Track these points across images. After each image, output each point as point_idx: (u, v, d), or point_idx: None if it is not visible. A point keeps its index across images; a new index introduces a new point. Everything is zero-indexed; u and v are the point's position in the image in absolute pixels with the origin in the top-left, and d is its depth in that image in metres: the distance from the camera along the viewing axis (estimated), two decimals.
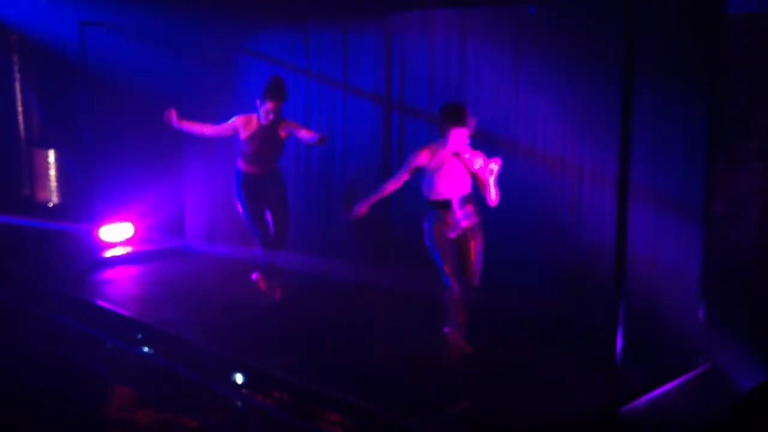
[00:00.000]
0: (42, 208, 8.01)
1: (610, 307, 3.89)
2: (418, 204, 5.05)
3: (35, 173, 8.05)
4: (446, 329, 4.93)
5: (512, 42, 5.44)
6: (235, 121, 5.83)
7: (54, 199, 8.09)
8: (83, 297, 6.31)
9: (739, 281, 4.69)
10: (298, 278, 6.41)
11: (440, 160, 4.75)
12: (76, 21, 7.06)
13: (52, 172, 8.05)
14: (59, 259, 7.36)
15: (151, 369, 5.06)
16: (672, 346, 4.73)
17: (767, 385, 3.75)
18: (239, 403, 4.49)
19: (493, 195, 4.71)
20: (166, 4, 6.84)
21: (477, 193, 4.89)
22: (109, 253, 7.57)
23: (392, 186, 4.98)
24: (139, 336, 5.54)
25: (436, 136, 4.89)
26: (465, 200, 4.83)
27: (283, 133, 5.84)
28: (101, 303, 6.09)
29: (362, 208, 5.04)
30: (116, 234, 7.83)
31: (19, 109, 7.83)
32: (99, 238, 7.64)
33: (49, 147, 8.00)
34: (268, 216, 5.98)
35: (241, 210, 6.00)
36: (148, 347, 5.39)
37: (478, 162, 4.68)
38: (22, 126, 7.90)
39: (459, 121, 4.64)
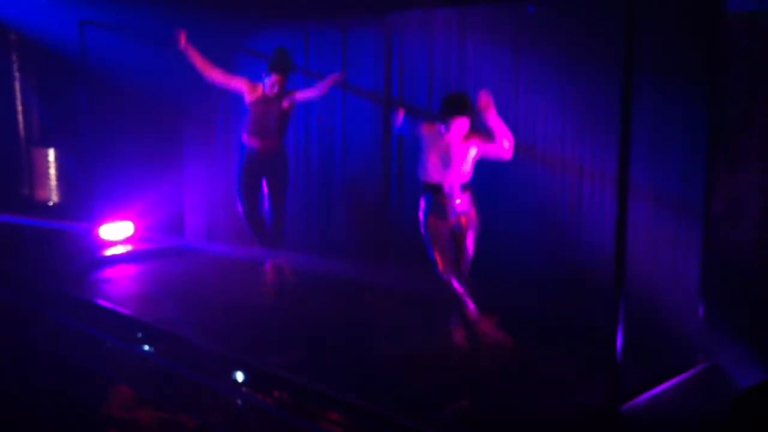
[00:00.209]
0: (42, 207, 8.01)
1: (610, 306, 3.89)
2: (418, 204, 5.05)
3: (35, 172, 8.05)
4: (452, 325, 4.95)
5: (512, 41, 5.43)
6: (243, 80, 5.84)
7: (54, 198, 8.09)
8: (83, 296, 6.31)
9: (739, 281, 4.69)
10: (298, 278, 6.41)
11: (437, 141, 4.79)
12: (75, 20, 7.06)
13: (52, 171, 8.05)
14: (59, 258, 7.36)
15: (151, 368, 5.06)
16: (672, 345, 4.73)
17: (766, 384, 3.75)
18: (239, 403, 4.49)
19: (505, 143, 4.75)
20: (166, 3, 6.84)
21: (473, 185, 4.91)
22: (109, 252, 7.57)
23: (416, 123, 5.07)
24: (139, 335, 5.54)
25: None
26: (461, 188, 4.85)
27: (286, 104, 5.85)
28: (101, 302, 6.09)
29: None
30: (116, 233, 7.83)
31: (19, 108, 7.84)
32: (99, 237, 7.64)
33: (48, 146, 8.01)
34: (265, 192, 5.99)
35: (237, 193, 6.02)
36: (148, 346, 5.39)
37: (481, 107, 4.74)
38: (21, 125, 7.90)
39: (460, 109, 4.69)
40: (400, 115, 5.08)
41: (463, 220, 4.92)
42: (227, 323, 5.55)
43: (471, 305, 4.90)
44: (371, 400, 4.20)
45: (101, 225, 7.66)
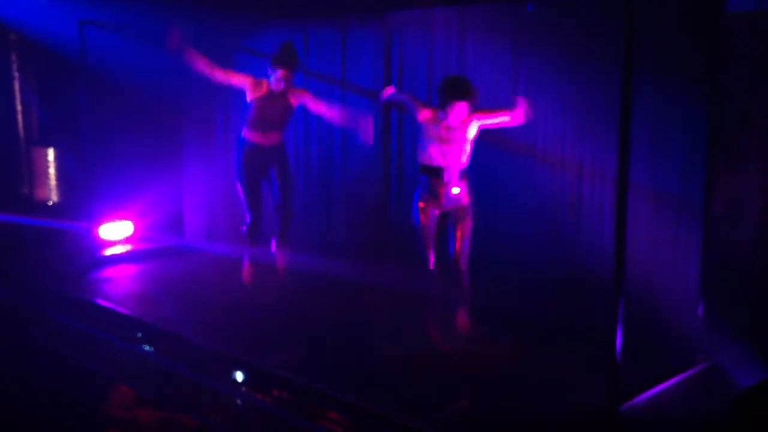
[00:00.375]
0: (41, 207, 8.01)
1: (610, 306, 3.89)
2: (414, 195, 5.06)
3: (35, 172, 8.05)
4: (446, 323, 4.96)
5: (511, 40, 5.43)
6: (246, 77, 5.77)
7: (53, 197, 8.09)
8: (83, 296, 6.31)
9: (739, 281, 4.69)
10: (298, 278, 6.41)
11: (437, 125, 4.78)
12: (75, 20, 7.05)
13: (52, 171, 8.05)
14: (59, 258, 7.36)
15: (151, 368, 5.06)
16: (671, 345, 4.73)
17: (766, 384, 3.75)
18: (239, 402, 4.49)
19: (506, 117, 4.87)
20: (166, 3, 6.83)
21: (472, 180, 4.91)
22: (109, 252, 7.57)
23: (410, 99, 5.08)
24: (139, 335, 5.53)
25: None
26: (459, 175, 4.84)
27: (294, 101, 5.80)
28: (101, 302, 6.08)
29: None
30: (116, 232, 7.83)
31: (19, 108, 7.83)
32: (99, 237, 7.64)
33: (48, 146, 8.00)
34: (269, 189, 5.96)
35: (239, 187, 5.97)
36: (148, 346, 5.39)
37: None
38: (21, 125, 7.90)
39: (460, 94, 4.65)
40: (388, 90, 5.06)
41: (458, 209, 4.90)
42: (227, 323, 5.55)
43: (466, 301, 4.90)
44: (371, 400, 4.19)
45: (101, 225, 7.66)
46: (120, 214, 7.85)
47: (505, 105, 5.44)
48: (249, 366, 4.79)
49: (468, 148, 4.89)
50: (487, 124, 4.92)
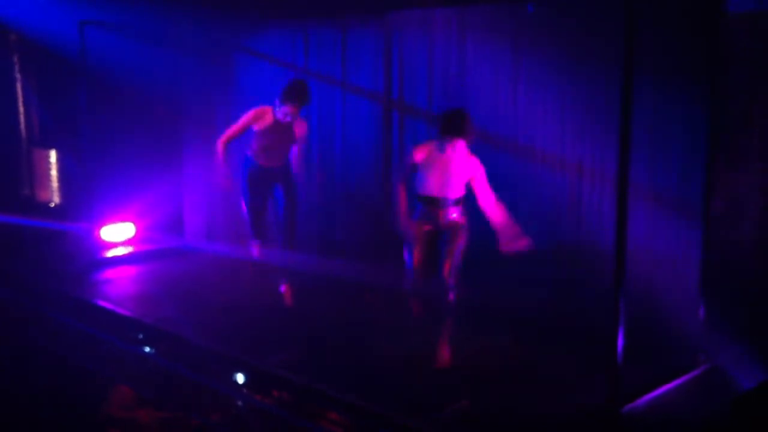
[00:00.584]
0: (43, 208, 8.02)
1: (610, 307, 3.88)
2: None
3: (36, 173, 8.06)
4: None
5: (511, 41, 5.43)
6: (248, 116, 5.86)
7: (55, 199, 8.09)
8: (83, 296, 6.31)
9: (739, 281, 4.68)
10: (298, 278, 6.41)
11: (435, 160, 4.81)
12: (75, 21, 7.06)
13: (53, 172, 8.06)
14: (59, 258, 7.36)
15: (151, 368, 5.06)
16: (672, 345, 4.73)
17: (766, 385, 3.74)
18: (239, 402, 4.49)
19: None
20: (165, 3, 6.84)
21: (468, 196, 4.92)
22: (109, 253, 7.58)
23: (402, 189, 5.03)
24: (139, 335, 5.54)
25: (435, 134, 4.91)
26: (455, 202, 4.90)
27: (298, 131, 5.91)
28: (101, 302, 6.09)
29: (406, 222, 5.02)
30: (117, 234, 7.83)
31: (20, 108, 7.84)
32: (100, 238, 7.64)
33: (49, 147, 8.01)
34: (274, 207, 6.02)
35: (243, 203, 6.04)
36: (148, 346, 5.39)
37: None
38: (23, 126, 7.91)
39: (458, 132, 4.72)
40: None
41: (453, 229, 4.96)
42: (227, 323, 5.55)
43: (450, 305, 4.95)
44: (371, 400, 4.19)
45: (102, 226, 7.66)
46: (120, 215, 7.85)
47: (504, 105, 5.46)
48: (249, 366, 4.79)
49: (465, 178, 4.92)
50: (473, 182, 4.93)
